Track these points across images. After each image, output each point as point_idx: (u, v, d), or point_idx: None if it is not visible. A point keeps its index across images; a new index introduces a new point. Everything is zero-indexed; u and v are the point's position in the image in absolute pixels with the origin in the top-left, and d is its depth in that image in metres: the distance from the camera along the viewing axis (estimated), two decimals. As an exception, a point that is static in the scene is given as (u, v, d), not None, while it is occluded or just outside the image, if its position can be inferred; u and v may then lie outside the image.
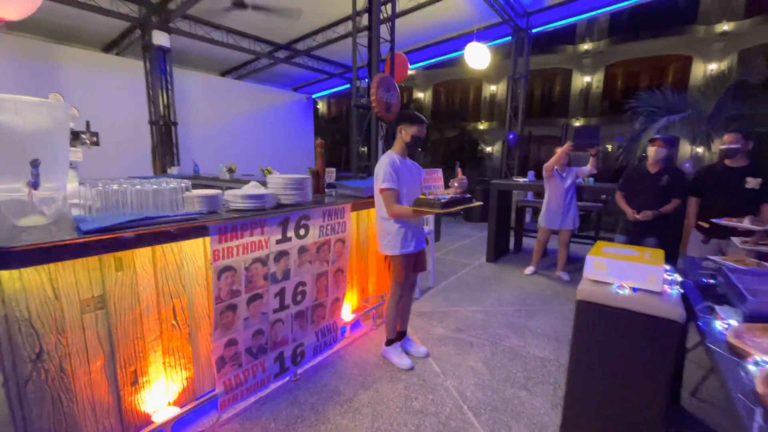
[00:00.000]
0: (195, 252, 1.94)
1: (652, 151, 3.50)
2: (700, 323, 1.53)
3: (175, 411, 1.89)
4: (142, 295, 1.76)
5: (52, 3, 4.88)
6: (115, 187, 1.58)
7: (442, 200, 2.22)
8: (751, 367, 1.16)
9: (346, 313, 2.94)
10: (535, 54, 9.74)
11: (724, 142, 3.15)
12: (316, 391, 2.34)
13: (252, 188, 2.18)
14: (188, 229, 1.73)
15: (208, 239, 1.84)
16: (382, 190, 2.40)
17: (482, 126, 17.69)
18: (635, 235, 3.55)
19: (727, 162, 3.17)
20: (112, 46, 7.38)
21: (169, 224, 1.64)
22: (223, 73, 9.94)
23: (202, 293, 2.01)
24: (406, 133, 2.45)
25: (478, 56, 5.62)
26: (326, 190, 2.94)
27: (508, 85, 7.80)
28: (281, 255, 2.18)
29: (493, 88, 17.33)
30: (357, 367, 2.62)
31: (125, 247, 1.55)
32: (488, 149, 18.08)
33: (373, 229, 3.11)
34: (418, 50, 8.88)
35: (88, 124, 2.90)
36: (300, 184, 2.31)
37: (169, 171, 5.71)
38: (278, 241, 2.15)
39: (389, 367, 2.62)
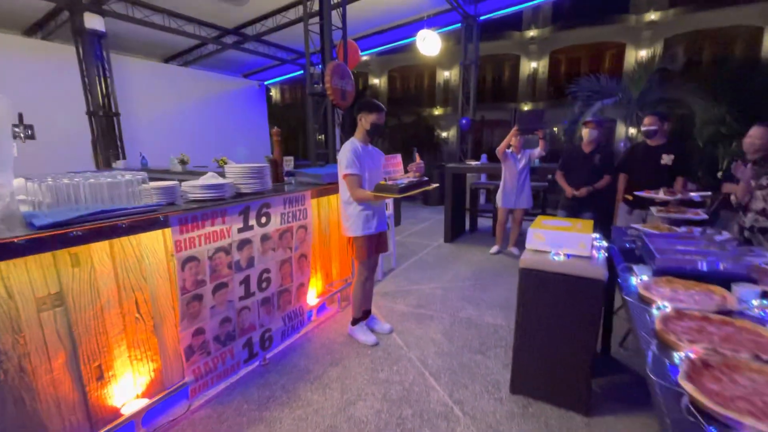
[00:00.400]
0: (155, 244, 1.93)
1: (585, 132, 3.86)
2: (620, 280, 1.79)
3: (144, 402, 1.91)
4: (102, 290, 1.75)
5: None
6: (66, 181, 1.55)
7: (401, 184, 2.35)
8: (654, 311, 1.41)
9: (312, 297, 3.03)
10: (485, 40, 10.07)
11: (644, 124, 3.53)
12: (285, 372, 2.43)
13: (210, 178, 2.19)
14: (147, 221, 1.73)
15: (167, 231, 1.85)
16: (345, 176, 2.49)
17: (437, 112, 17.99)
18: (574, 210, 3.92)
19: (648, 141, 3.57)
20: (36, 29, 6.69)
21: (128, 217, 1.63)
22: (167, 60, 9.35)
23: (164, 285, 2.01)
24: (366, 121, 2.53)
25: (429, 43, 5.77)
26: (285, 178, 2.97)
27: (460, 71, 8.03)
28: (244, 243, 2.22)
29: (446, 73, 17.62)
30: (325, 347, 2.74)
31: (82, 241, 1.54)
32: (444, 134, 18.51)
33: (334, 215, 3.19)
34: (369, 36, 8.86)
35: (20, 116, 2.72)
36: (259, 173, 2.34)
37: (114, 165, 5.37)
38: (240, 230, 2.18)
39: (356, 344, 2.76)
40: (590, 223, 2.27)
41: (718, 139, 5.74)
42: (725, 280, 1.55)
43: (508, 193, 4.79)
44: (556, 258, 1.97)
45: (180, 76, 8.82)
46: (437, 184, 2.77)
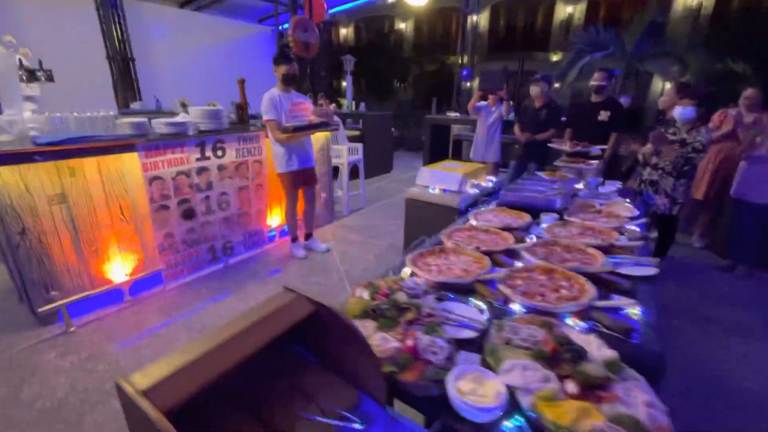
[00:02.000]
0: (132, 166, 2.59)
1: (532, 88, 4.09)
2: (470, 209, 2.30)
3: (128, 278, 2.69)
4: (93, 196, 2.46)
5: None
6: (58, 114, 2.20)
7: (296, 125, 2.86)
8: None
9: (275, 222, 3.70)
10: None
11: (594, 79, 3.73)
12: (241, 273, 3.18)
13: (178, 118, 2.79)
14: (119, 146, 2.38)
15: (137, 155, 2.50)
16: (265, 121, 2.98)
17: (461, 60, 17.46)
18: (521, 160, 4.27)
19: (592, 98, 3.80)
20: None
21: (103, 141, 2.29)
22: (183, 5, 9.70)
23: (143, 198, 2.70)
24: (278, 72, 2.97)
25: None
26: (250, 120, 3.53)
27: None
28: (202, 170, 2.86)
29: (475, 18, 16.80)
30: (277, 259, 3.46)
31: (71, 156, 2.21)
32: (469, 84, 18.11)
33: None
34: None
35: (40, 62, 3.36)
36: (216, 115, 2.92)
37: (131, 106, 6.11)
38: (198, 159, 2.82)
39: (298, 259, 3.45)
40: (481, 167, 2.73)
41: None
42: (540, 210, 2.01)
43: (479, 147, 5.13)
44: (432, 191, 2.49)
45: (195, 21, 9.21)
46: (336, 127, 3.22)
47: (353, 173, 4.92)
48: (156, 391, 0.58)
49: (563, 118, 4.13)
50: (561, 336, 0.91)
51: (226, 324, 0.74)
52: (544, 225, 1.90)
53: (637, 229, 1.80)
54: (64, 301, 2.42)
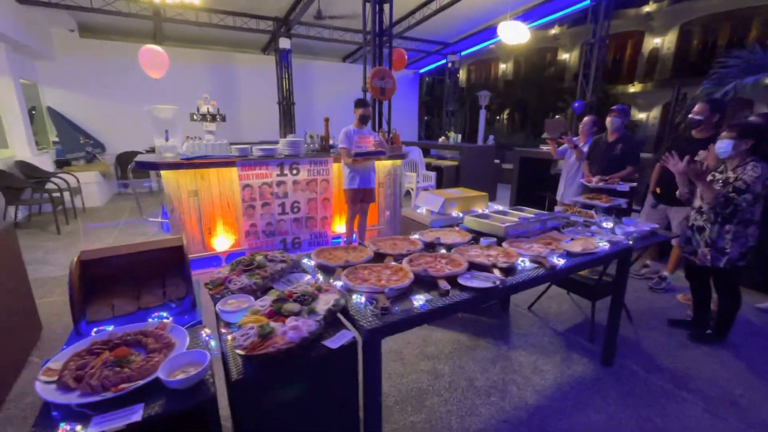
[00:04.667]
0: (235, 176, 3.89)
1: (608, 121, 3.82)
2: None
3: (225, 248, 3.97)
4: (213, 193, 3.83)
5: (223, 29, 7.70)
6: (197, 140, 3.62)
7: (360, 153, 3.60)
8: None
9: (342, 230, 4.59)
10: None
11: (693, 112, 3.23)
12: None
13: (269, 146, 4.01)
14: (225, 162, 3.68)
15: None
16: (339, 149, 3.87)
17: (633, 88, 15.49)
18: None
19: (693, 133, 3.27)
20: (266, 48, 10.35)
21: (215, 159, 3.61)
22: (345, 58, 12.15)
23: (240, 198, 3.98)
24: (356, 113, 3.82)
25: (512, 32, 5.90)
26: (330, 149, 4.56)
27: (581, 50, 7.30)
28: (280, 183, 3.98)
29: (657, 40, 14.85)
30: (331, 258, 4.30)
31: (199, 167, 3.58)
32: (641, 116, 15.85)
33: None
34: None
35: (218, 109, 5.23)
36: (295, 144, 4.03)
37: (287, 137, 8.23)
38: (278, 175, 3.94)
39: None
40: (480, 195, 2.96)
41: None
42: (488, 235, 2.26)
43: (560, 187, 4.94)
44: (417, 210, 2.89)
45: (348, 70, 11.48)
46: (386, 153, 3.78)
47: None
48: (87, 255, 1.42)
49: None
50: (303, 292, 1.38)
51: (143, 242, 1.55)
52: (477, 245, 2.14)
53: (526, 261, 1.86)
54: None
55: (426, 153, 8.67)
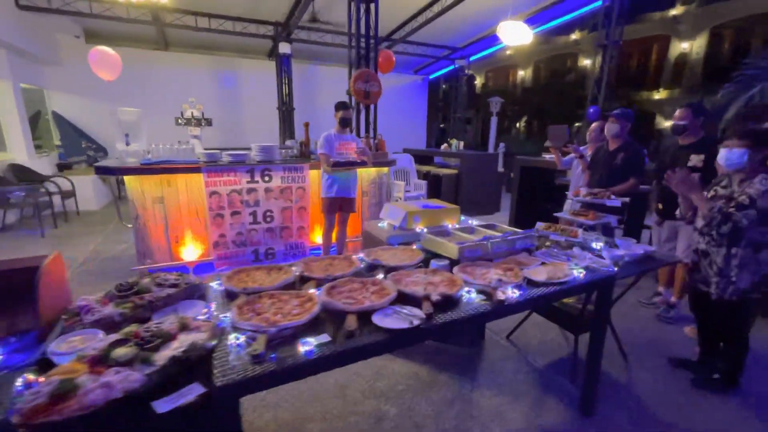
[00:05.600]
0: (202, 184, 3.70)
1: (607, 127, 3.43)
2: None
3: (193, 259, 3.76)
4: (180, 200, 3.64)
5: (228, 34, 7.71)
6: (160, 146, 3.45)
7: (338, 161, 3.33)
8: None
9: (316, 238, 4.33)
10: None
11: (673, 118, 2.95)
12: (270, 275, 3.89)
13: (240, 151, 3.80)
14: (191, 168, 3.48)
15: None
16: (319, 154, 3.61)
17: (660, 95, 14.72)
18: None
19: (678, 139, 2.98)
20: (270, 53, 10.32)
21: (179, 164, 3.42)
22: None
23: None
24: (336, 116, 3.57)
25: (513, 33, 5.54)
26: (311, 155, 4.31)
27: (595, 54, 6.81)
28: (251, 191, 3.76)
29: (685, 45, 14.09)
30: (305, 271, 4.03)
31: (157, 173, 3.39)
32: (667, 124, 15.05)
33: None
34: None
35: (202, 113, 5.10)
36: (268, 150, 3.81)
37: (286, 143, 8.08)
38: (248, 182, 3.72)
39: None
40: (454, 209, 2.64)
41: None
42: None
43: (568, 199, 4.54)
44: (379, 225, 2.59)
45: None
46: (367, 163, 3.50)
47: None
48: None
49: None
50: (154, 332, 1.10)
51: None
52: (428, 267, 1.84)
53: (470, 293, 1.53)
54: (151, 265, 3.64)
55: (430, 161, 8.34)
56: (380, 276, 1.72)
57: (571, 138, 4.02)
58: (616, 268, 1.88)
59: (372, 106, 5.52)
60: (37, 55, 6.80)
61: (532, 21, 7.99)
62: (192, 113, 4.98)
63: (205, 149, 4.25)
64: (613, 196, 2.56)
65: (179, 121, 5.02)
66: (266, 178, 3.81)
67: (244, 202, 3.77)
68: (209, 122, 5.21)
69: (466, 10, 7.52)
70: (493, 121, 12.35)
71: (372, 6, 5.19)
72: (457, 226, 2.49)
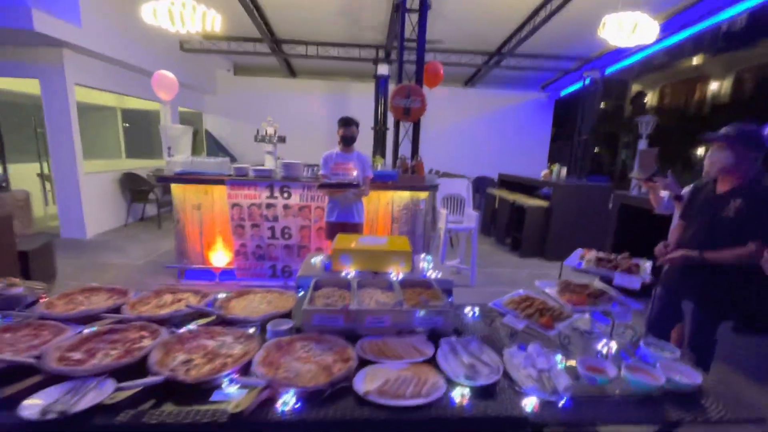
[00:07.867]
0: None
1: (712, 157, 2.17)
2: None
3: (221, 265, 4.02)
4: (215, 207, 3.95)
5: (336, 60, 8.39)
6: (197, 159, 3.81)
7: (325, 182, 3.07)
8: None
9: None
10: None
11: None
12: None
13: (266, 166, 3.91)
14: (219, 180, 3.73)
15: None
16: (320, 175, 3.39)
17: None
18: (670, 292, 2.35)
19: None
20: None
21: (211, 175, 3.70)
22: (466, 83, 11.44)
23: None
24: (338, 134, 3.31)
25: (627, 29, 4.08)
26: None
27: None
28: (270, 205, 3.81)
29: None
30: (315, 294, 3.84)
31: (185, 182, 3.75)
32: None
33: (382, 209, 4.02)
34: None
35: (275, 131, 5.52)
36: (289, 167, 3.80)
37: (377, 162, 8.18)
38: (267, 197, 3.78)
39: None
40: (402, 253, 2.07)
41: None
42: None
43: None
44: (312, 261, 2.19)
45: (465, 95, 10.76)
46: (362, 188, 3.03)
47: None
48: None
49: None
50: None
51: None
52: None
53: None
54: (185, 266, 4.04)
55: (533, 190, 7.09)
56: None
57: (658, 166, 2.74)
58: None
59: (413, 124, 5.03)
60: (197, 86, 8.69)
61: (670, 24, 6.09)
62: (267, 131, 5.45)
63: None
64: (632, 276, 1.52)
65: (257, 137, 5.56)
66: (285, 195, 3.80)
67: (263, 216, 3.84)
68: (282, 140, 5.60)
69: (585, 14, 6.20)
70: (641, 144, 9.93)
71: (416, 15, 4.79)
72: (401, 276, 1.90)
